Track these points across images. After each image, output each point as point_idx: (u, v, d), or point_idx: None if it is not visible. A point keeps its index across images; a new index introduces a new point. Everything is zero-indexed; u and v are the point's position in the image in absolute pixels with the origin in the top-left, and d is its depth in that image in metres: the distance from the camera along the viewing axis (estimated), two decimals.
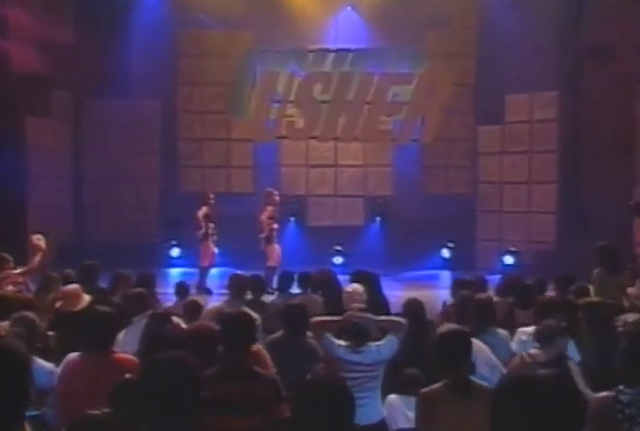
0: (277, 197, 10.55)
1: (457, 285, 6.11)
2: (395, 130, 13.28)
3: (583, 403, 2.46)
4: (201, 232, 10.28)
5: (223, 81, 13.17)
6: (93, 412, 2.41)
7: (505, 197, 13.00)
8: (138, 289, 5.44)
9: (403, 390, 4.10)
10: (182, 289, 6.69)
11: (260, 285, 6.39)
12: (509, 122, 12.88)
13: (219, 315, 4.01)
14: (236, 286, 5.65)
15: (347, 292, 5.47)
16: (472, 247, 13.14)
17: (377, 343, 4.10)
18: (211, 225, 10.35)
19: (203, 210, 10.34)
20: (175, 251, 12.72)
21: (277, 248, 10.42)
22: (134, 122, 13.22)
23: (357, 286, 5.47)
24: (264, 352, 4.11)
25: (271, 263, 10.19)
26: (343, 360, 4.05)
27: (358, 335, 4.03)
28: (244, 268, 8.57)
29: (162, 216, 13.19)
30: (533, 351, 4.05)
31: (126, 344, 4.38)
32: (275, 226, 10.47)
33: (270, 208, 10.40)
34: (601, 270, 6.17)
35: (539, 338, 4.09)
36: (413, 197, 13.45)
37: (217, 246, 10.76)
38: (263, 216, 10.30)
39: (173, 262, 12.57)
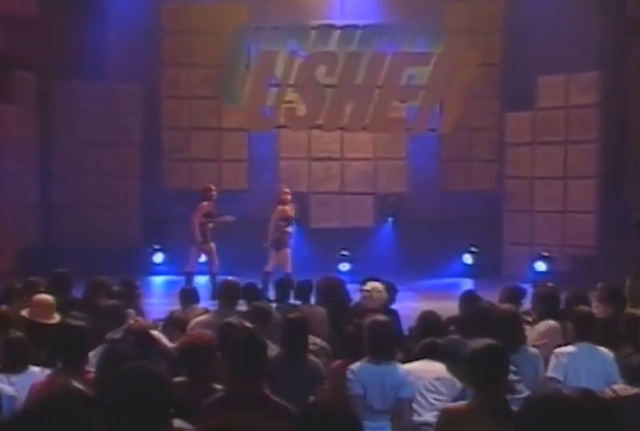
0: (289, 196, 10.61)
1: (466, 299, 6.05)
2: (410, 118, 13.21)
3: (615, 425, 2.39)
4: (199, 232, 10.25)
5: (213, 62, 13.14)
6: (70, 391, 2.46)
7: (537, 195, 12.97)
8: (111, 301, 5.41)
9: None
10: (188, 296, 6.66)
11: (255, 295, 6.36)
12: (541, 108, 12.82)
13: (227, 333, 4.09)
14: (227, 295, 5.59)
15: (365, 290, 5.62)
16: (498, 252, 13.12)
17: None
18: (210, 225, 10.37)
19: (204, 206, 10.33)
20: (159, 257, 12.73)
21: (288, 252, 10.50)
22: (111, 109, 13.18)
23: (377, 284, 5.64)
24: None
25: (277, 266, 10.26)
26: None
27: None
28: (238, 275, 8.45)
29: (143, 217, 13.21)
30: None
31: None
32: (288, 229, 10.47)
33: (280, 208, 10.48)
34: (630, 278, 6.31)
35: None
36: (430, 194, 13.50)
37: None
38: (272, 220, 10.36)
39: (155, 269, 12.61)
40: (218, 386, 3.65)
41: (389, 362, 4.26)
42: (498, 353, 3.31)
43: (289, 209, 10.59)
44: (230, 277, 6.00)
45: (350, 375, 4.24)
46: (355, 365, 4.29)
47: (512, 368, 3.90)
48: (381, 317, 4.50)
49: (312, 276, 7.01)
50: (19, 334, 4.32)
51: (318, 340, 5.17)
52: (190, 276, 10.39)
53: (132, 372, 2.50)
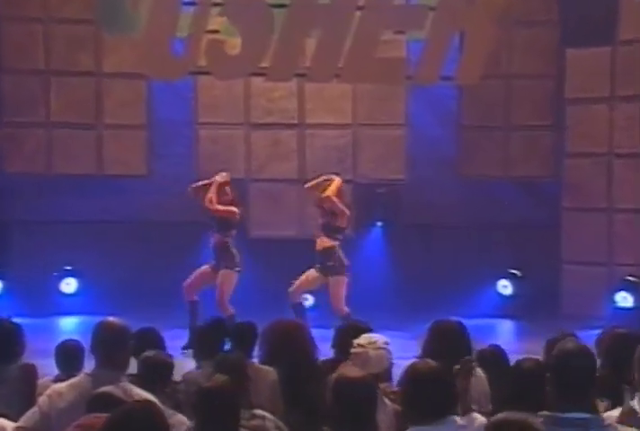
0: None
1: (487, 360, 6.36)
2: (412, 60, 13.06)
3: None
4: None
5: None
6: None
7: (618, 184, 13.00)
8: None
9: None
10: (67, 356, 6.79)
11: (153, 345, 6.44)
12: (626, 41, 12.82)
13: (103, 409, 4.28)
14: (106, 344, 5.43)
15: (359, 346, 5.75)
16: (554, 276, 13.30)
17: None
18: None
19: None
20: None
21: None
22: None
23: (375, 337, 5.83)
24: None
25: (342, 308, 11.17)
26: None
27: None
28: (127, 314, 8.17)
29: None
30: None
31: None
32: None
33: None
34: None
35: None
36: (444, 184, 13.65)
37: None
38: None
39: None
40: None
41: None
42: None
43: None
44: (111, 318, 5.79)
45: None
46: None
47: None
48: (353, 371, 4.76)
49: (254, 316, 7.28)
50: None
51: (268, 415, 5.30)
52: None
53: None
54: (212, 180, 11.15)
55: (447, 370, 5.00)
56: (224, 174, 11.16)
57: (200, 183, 11.25)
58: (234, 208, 11.09)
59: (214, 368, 5.80)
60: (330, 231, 11.08)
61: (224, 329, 7.02)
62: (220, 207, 10.95)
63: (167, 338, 7.25)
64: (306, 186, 11.58)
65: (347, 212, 11.18)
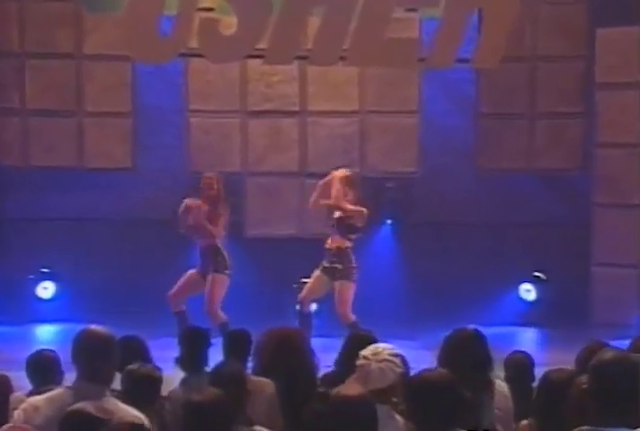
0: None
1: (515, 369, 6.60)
2: (426, 41, 13.02)
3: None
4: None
5: None
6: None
7: None
8: None
9: None
10: (41, 368, 6.81)
11: (136, 355, 6.47)
12: None
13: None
14: (89, 357, 5.44)
15: (364, 358, 5.66)
16: (583, 280, 13.29)
17: None
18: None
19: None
20: None
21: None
22: None
23: (382, 348, 5.75)
24: None
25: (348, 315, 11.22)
26: None
27: None
28: (110, 321, 8.18)
29: None
30: None
31: None
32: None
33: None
34: None
35: None
36: (460, 177, 13.70)
37: None
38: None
39: None
40: None
41: None
42: None
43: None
44: (95, 326, 5.79)
45: None
46: None
47: None
48: (352, 389, 4.81)
49: (250, 321, 7.63)
50: None
51: None
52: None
53: None
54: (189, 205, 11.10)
55: (455, 381, 4.95)
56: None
57: (182, 216, 11.13)
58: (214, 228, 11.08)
59: (209, 381, 5.79)
60: (344, 230, 11.02)
61: (203, 340, 7.07)
62: (210, 227, 10.99)
63: (154, 348, 7.25)
64: (310, 207, 11.45)
65: (363, 211, 11.01)
